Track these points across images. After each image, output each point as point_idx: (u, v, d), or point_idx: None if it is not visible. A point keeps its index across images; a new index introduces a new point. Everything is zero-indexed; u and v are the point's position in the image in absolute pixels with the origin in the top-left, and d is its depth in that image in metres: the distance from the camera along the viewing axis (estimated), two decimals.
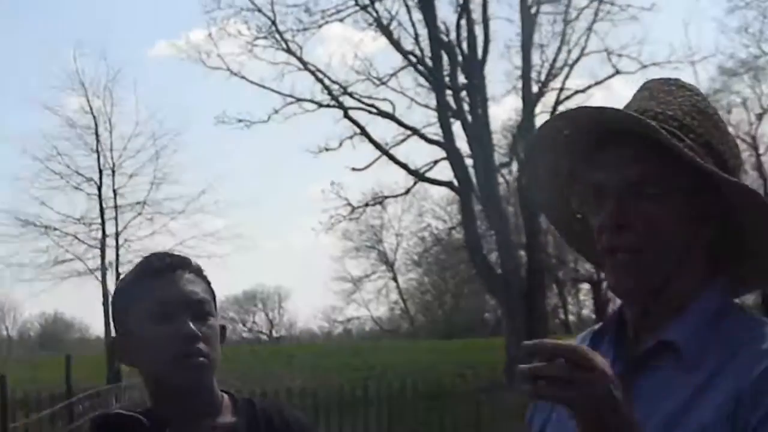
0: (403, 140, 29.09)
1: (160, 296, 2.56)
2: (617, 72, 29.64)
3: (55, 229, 34.04)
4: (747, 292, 2.24)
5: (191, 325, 2.53)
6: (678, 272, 2.02)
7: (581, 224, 2.19)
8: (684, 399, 1.90)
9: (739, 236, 2.07)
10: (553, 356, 1.71)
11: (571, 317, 57.57)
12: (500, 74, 61.00)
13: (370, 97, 29.04)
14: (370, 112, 28.94)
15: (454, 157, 27.99)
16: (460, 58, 28.44)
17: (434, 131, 28.78)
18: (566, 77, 29.40)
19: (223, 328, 2.68)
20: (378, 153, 28.88)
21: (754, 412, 1.83)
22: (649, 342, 2.01)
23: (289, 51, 28.66)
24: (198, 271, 2.67)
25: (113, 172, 33.48)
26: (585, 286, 49.83)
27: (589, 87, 29.40)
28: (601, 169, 2.05)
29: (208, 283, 2.69)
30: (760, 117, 47.42)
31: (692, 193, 2.00)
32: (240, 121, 28.98)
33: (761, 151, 48.94)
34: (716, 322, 1.99)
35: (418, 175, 29.49)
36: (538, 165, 2.24)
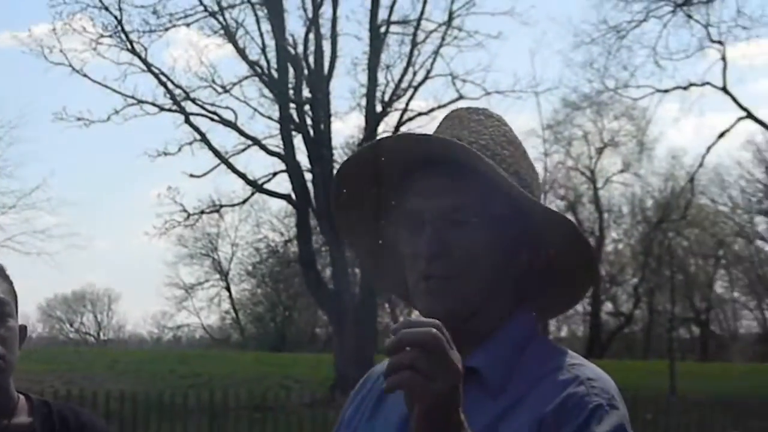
0: (243, 149, 28.94)
1: None
2: (461, 97, 29.86)
3: None
4: (550, 318, 2.29)
5: None
6: (488, 299, 2.05)
7: (389, 258, 2.19)
8: (487, 423, 1.93)
9: (546, 266, 2.10)
10: (416, 345, 1.67)
11: None
12: (345, 90, 61.27)
13: (212, 104, 28.79)
14: (211, 119, 28.70)
15: (293, 170, 27.97)
16: (306, 71, 28.43)
17: (275, 143, 28.72)
18: (410, 98, 29.56)
19: (23, 328, 2.65)
20: (217, 161, 28.65)
21: None
22: None
23: (133, 52, 28.26)
24: None
25: None
26: None
27: (432, 110, 29.55)
28: (417, 196, 2.05)
29: (10, 284, 2.66)
30: (600, 151, 48.54)
31: (507, 222, 2.03)
32: (79, 119, 28.36)
33: (599, 184, 50.11)
34: (521, 350, 2.04)
35: (257, 186, 29.35)
36: (346, 195, 2.21)
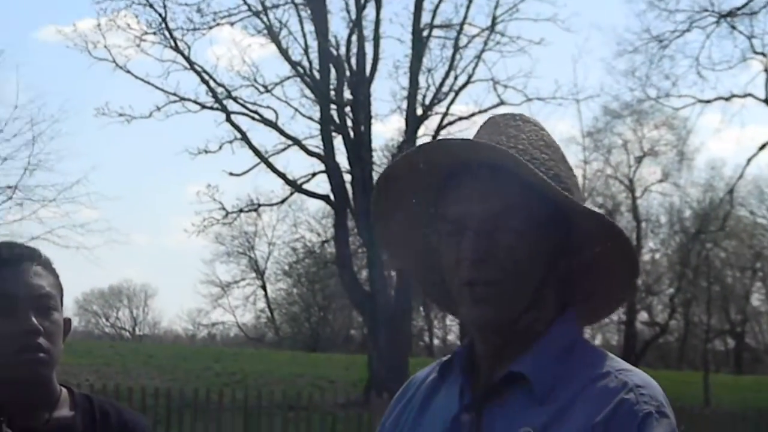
0: (283, 149, 28.96)
1: (3, 288, 2.55)
2: (502, 102, 29.80)
3: None
4: (593, 323, 2.30)
5: (34, 320, 2.52)
6: (535, 304, 2.05)
7: (429, 265, 2.20)
8: (535, 429, 1.95)
9: (588, 270, 2.12)
10: None
11: (436, 341, 58.02)
12: (386, 93, 61.38)
13: (254, 104, 28.84)
14: (252, 118, 28.77)
15: (332, 171, 27.97)
16: (347, 73, 28.43)
17: (315, 143, 28.71)
18: (451, 102, 29.50)
19: (67, 322, 2.68)
20: (257, 160, 28.69)
21: None
22: (501, 373, 2.04)
23: (176, 49, 28.36)
24: (46, 264, 2.65)
25: None
26: None
27: (473, 114, 29.51)
28: (460, 203, 2.05)
29: (56, 277, 2.68)
30: (639, 160, 48.34)
31: (549, 226, 2.04)
32: (121, 115, 28.50)
33: (638, 194, 49.89)
34: (567, 356, 2.04)
35: (296, 186, 29.37)
36: (387, 201, 2.22)
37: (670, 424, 1.94)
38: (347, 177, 27.98)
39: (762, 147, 35.04)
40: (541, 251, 2.04)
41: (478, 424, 2.02)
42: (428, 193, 2.15)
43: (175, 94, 28.37)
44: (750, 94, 33.92)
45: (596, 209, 2.09)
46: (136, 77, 28.67)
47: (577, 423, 1.92)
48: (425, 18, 28.80)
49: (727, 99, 34.15)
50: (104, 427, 2.67)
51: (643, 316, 52.55)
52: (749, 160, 36.26)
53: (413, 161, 2.12)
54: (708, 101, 34.59)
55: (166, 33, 28.31)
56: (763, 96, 33.56)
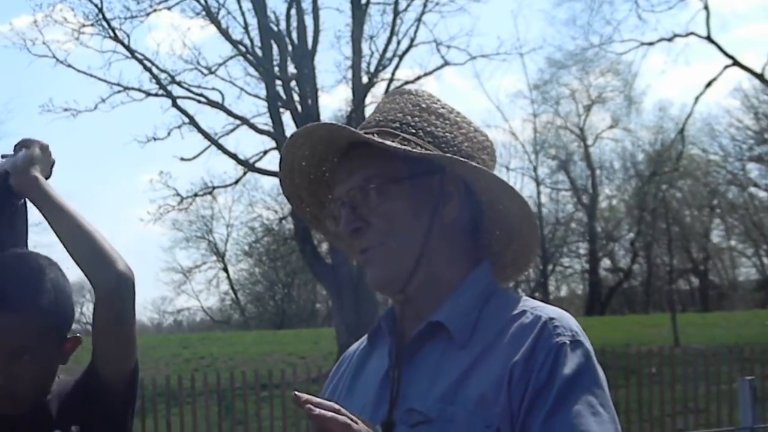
0: (232, 130, 28.92)
1: None
2: (446, 63, 29.92)
3: None
4: (517, 276, 2.43)
5: None
6: (428, 253, 2.16)
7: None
8: (460, 373, 2.06)
9: (499, 222, 2.25)
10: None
11: None
12: (330, 64, 61.24)
13: (199, 87, 28.74)
14: (199, 102, 28.65)
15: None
16: (290, 48, 28.36)
17: (264, 121, 28.71)
18: (396, 68, 29.51)
19: (75, 340, 2.72)
20: (207, 143, 28.61)
21: (529, 381, 1.99)
22: (421, 326, 2.15)
23: (116, 39, 28.11)
24: (13, 305, 2.55)
25: None
26: None
27: (419, 78, 29.59)
28: (338, 184, 2.23)
29: (34, 309, 2.57)
30: (588, 108, 48.64)
31: (421, 176, 2.16)
32: (66, 110, 28.27)
33: (589, 142, 50.12)
34: (484, 302, 2.17)
35: (248, 165, 29.33)
36: (292, 185, 2.37)
37: (585, 352, 2.04)
38: None
39: (709, 84, 35.33)
40: (415, 206, 2.16)
41: (400, 377, 2.12)
42: (323, 178, 2.35)
43: (118, 84, 28.20)
44: (692, 33, 34.15)
45: (478, 165, 2.17)
46: (78, 71, 28.50)
47: (498, 362, 2.03)
48: None
49: (669, 40, 34.42)
50: (71, 400, 2.69)
51: (605, 263, 52.97)
52: (697, 98, 36.70)
53: (293, 157, 2.30)
54: (651, 43, 34.86)
55: (104, 23, 28.08)
56: (704, 33, 33.77)
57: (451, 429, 2.00)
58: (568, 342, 2.02)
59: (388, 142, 2.12)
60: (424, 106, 2.26)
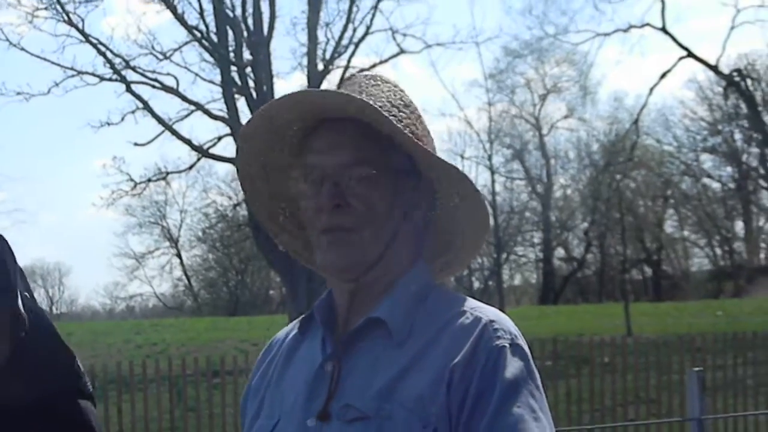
0: (186, 115, 28.73)
1: None
2: (402, 51, 29.94)
3: None
4: (458, 272, 2.43)
5: None
6: (388, 252, 2.15)
7: (290, 221, 2.34)
8: (397, 371, 2.04)
9: (445, 224, 2.26)
10: None
11: None
12: (286, 51, 61.16)
13: (153, 72, 28.53)
14: (153, 87, 28.44)
15: (238, 133, 27.79)
16: (245, 33, 28.25)
17: (219, 107, 28.55)
18: (352, 55, 29.42)
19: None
20: (161, 128, 28.43)
21: (470, 384, 1.98)
22: (360, 322, 2.13)
23: (70, 23, 27.84)
24: None
25: None
26: None
27: (374, 65, 29.57)
28: (317, 154, 2.14)
29: None
30: (543, 98, 48.84)
31: (405, 175, 2.14)
32: (19, 93, 28.02)
33: (544, 131, 50.31)
34: (422, 300, 2.15)
35: (202, 151, 29.18)
36: (249, 156, 2.31)
37: (525, 355, 2.04)
38: None
39: (663, 75, 35.62)
40: (396, 199, 2.14)
41: (340, 372, 2.09)
42: (286, 147, 2.25)
43: (72, 69, 27.90)
44: (647, 24, 34.35)
45: (450, 162, 2.15)
46: (32, 54, 28.21)
47: (437, 362, 2.01)
48: None
49: (625, 30, 34.62)
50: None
51: (559, 252, 53.28)
52: (651, 89, 36.88)
53: (272, 115, 2.18)
54: (607, 34, 35.05)
55: (59, 7, 27.77)
56: (660, 25, 33.95)
57: (389, 427, 1.99)
58: (508, 345, 2.02)
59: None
60: (406, 101, 2.22)
